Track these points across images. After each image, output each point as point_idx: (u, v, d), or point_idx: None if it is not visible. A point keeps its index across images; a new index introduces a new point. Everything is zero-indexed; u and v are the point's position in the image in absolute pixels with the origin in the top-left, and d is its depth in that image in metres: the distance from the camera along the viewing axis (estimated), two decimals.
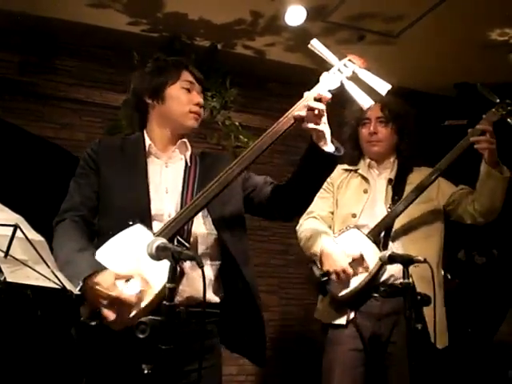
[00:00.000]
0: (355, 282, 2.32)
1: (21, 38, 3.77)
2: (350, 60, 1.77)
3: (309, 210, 2.32)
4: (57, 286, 1.45)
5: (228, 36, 3.88)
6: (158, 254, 1.43)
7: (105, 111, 3.91)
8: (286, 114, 1.72)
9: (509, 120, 2.41)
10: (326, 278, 2.32)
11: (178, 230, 1.68)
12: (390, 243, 2.38)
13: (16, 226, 1.36)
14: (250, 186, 1.92)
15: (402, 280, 1.81)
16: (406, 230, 2.41)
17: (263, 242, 4.22)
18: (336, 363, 2.34)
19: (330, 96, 1.70)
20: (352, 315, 2.36)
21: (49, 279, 1.44)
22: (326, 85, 1.72)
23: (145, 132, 1.93)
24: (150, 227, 1.71)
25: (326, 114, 1.70)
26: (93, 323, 1.60)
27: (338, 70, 1.75)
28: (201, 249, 1.78)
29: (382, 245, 2.36)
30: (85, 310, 1.63)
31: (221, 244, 1.82)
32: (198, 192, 1.76)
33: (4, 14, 3.49)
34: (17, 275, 1.44)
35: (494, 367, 3.67)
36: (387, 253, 1.89)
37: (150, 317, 1.39)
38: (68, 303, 1.63)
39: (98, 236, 1.80)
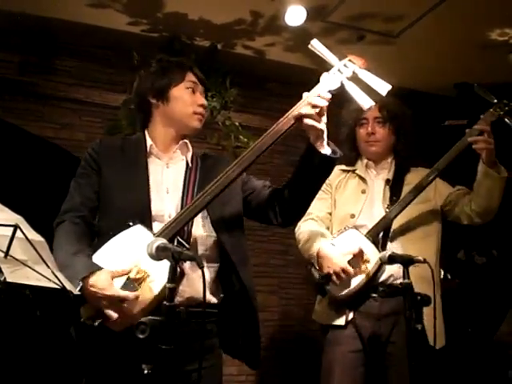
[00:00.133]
0: (354, 283, 2.32)
1: (21, 38, 3.77)
2: (350, 60, 1.76)
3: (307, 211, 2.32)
4: (57, 287, 1.45)
5: (228, 36, 3.88)
6: (158, 254, 1.43)
7: (104, 111, 3.91)
8: (286, 114, 1.72)
9: (506, 120, 2.41)
10: (324, 281, 2.32)
11: (178, 230, 1.68)
12: (389, 243, 2.38)
13: (16, 227, 1.36)
14: (249, 188, 1.92)
15: (401, 280, 1.81)
16: (405, 230, 2.41)
17: (263, 242, 4.22)
18: (336, 364, 2.34)
19: (329, 96, 1.70)
20: (351, 316, 2.36)
21: (49, 279, 1.44)
22: (326, 85, 1.72)
23: (146, 132, 1.93)
24: (150, 228, 1.71)
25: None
26: (92, 324, 1.60)
27: (338, 70, 1.74)
28: (200, 250, 1.78)
29: (380, 245, 2.36)
30: (85, 311, 1.63)
31: (219, 246, 1.82)
32: (198, 193, 1.76)
33: (4, 14, 3.49)
34: (17, 275, 1.44)
35: (493, 367, 3.68)
36: (387, 253, 1.89)
37: (150, 317, 1.39)
38: (68, 304, 1.63)
39: (98, 236, 1.80)
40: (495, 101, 2.43)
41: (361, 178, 2.55)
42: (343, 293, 2.34)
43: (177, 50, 3.70)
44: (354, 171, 2.59)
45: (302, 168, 1.77)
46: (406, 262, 1.82)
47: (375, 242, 2.35)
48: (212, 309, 1.79)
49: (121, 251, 1.68)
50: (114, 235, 1.70)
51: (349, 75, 1.74)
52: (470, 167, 2.40)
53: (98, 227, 1.81)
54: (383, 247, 2.36)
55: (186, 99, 1.88)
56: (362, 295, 2.35)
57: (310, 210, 2.42)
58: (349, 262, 2.30)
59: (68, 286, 1.49)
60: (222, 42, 3.93)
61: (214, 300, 1.80)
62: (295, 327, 4.29)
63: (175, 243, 1.68)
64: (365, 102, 1.72)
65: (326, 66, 1.78)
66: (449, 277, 4.03)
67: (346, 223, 2.44)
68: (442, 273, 3.90)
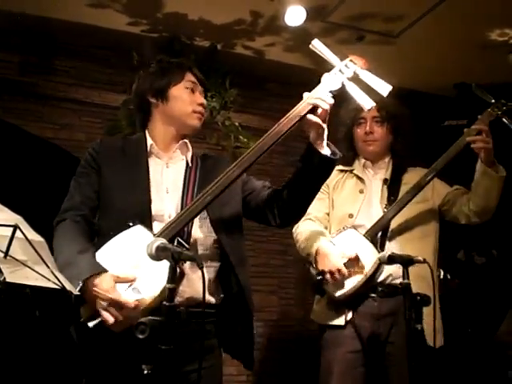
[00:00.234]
0: (352, 282, 2.32)
1: (21, 38, 3.77)
2: (351, 61, 1.76)
3: None
4: (56, 287, 1.45)
5: (228, 36, 3.88)
6: (158, 255, 1.43)
7: (104, 111, 3.91)
8: (287, 114, 1.72)
9: (504, 120, 2.42)
10: (320, 277, 2.32)
11: (179, 230, 1.68)
12: (387, 243, 2.38)
13: (16, 227, 1.36)
14: (249, 188, 1.92)
15: (400, 280, 1.81)
16: (403, 229, 2.41)
17: (262, 242, 4.22)
18: (335, 364, 2.34)
19: (332, 101, 1.71)
20: (350, 315, 2.35)
21: (48, 279, 1.43)
22: (328, 86, 1.72)
23: (146, 132, 1.93)
24: (150, 228, 1.71)
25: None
26: (93, 324, 1.60)
27: (339, 70, 1.74)
28: (200, 250, 1.78)
29: (379, 245, 2.36)
30: (85, 311, 1.63)
31: (219, 246, 1.82)
32: (198, 193, 1.76)
33: (4, 14, 3.49)
34: (16, 276, 1.44)
35: (493, 367, 3.68)
36: (387, 253, 1.89)
37: (150, 317, 1.38)
38: (68, 304, 1.63)
39: (97, 236, 1.80)
40: (493, 101, 2.43)
41: (358, 177, 2.56)
42: (341, 293, 2.33)
43: (177, 50, 3.70)
44: (351, 171, 2.59)
45: (301, 168, 1.77)
46: (406, 262, 1.82)
47: (373, 242, 2.35)
48: (211, 309, 1.79)
49: (121, 251, 1.68)
50: (114, 235, 1.70)
51: (350, 76, 1.74)
52: (468, 167, 2.40)
53: (97, 226, 1.81)
54: (381, 247, 2.36)
55: (185, 98, 1.88)
56: (361, 295, 2.34)
57: (308, 211, 2.42)
58: (345, 264, 2.30)
59: (68, 286, 1.49)
60: (221, 42, 3.93)
61: (213, 300, 1.80)
62: (295, 327, 4.29)
63: (175, 243, 1.68)
64: (366, 102, 1.72)
65: (325, 67, 1.78)
66: (449, 277, 4.03)
67: (344, 223, 2.44)
68: (442, 273, 3.91)
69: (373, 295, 2.35)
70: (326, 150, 1.73)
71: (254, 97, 4.34)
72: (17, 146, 3.32)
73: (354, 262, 2.32)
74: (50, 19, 3.61)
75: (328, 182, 2.53)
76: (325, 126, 1.70)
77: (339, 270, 2.27)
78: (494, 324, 3.82)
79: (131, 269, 1.64)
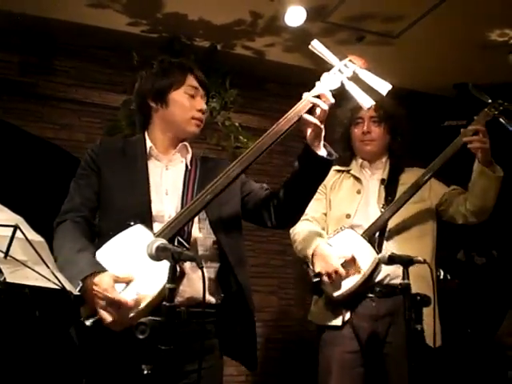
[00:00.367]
0: (350, 283, 2.31)
1: (20, 39, 3.77)
2: (350, 60, 1.77)
3: None
4: (56, 287, 1.45)
5: (227, 36, 3.88)
6: (158, 255, 1.43)
7: (104, 112, 3.91)
8: (286, 114, 1.72)
9: (501, 119, 2.42)
10: (318, 279, 2.32)
11: (179, 230, 1.68)
12: (385, 243, 2.38)
13: (16, 227, 1.36)
14: (247, 189, 1.93)
15: (400, 280, 1.81)
16: (400, 229, 2.41)
17: (262, 242, 4.22)
18: (334, 364, 2.34)
19: (333, 100, 1.71)
20: (348, 316, 2.35)
21: (48, 280, 1.43)
22: (327, 85, 1.72)
23: (146, 134, 1.93)
24: (150, 228, 1.71)
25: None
26: (90, 322, 1.60)
27: (339, 70, 1.75)
28: (200, 250, 1.78)
29: (376, 245, 2.36)
30: (85, 311, 1.63)
31: (218, 247, 1.82)
32: (197, 194, 1.75)
33: (4, 14, 3.49)
34: (16, 276, 1.44)
35: (493, 367, 3.68)
36: (387, 253, 1.89)
37: (150, 317, 1.38)
38: (68, 304, 1.63)
39: (98, 237, 1.79)
40: (490, 100, 2.44)
41: (356, 178, 2.55)
42: (339, 293, 2.33)
43: (177, 50, 3.70)
44: (348, 171, 2.59)
45: (297, 169, 1.77)
46: (406, 262, 1.82)
47: (371, 242, 2.35)
48: (212, 309, 1.79)
49: (121, 251, 1.68)
50: (114, 235, 1.70)
51: (349, 75, 1.75)
52: (465, 167, 2.40)
53: (98, 228, 1.81)
54: (379, 247, 2.36)
55: (185, 104, 1.87)
56: (359, 295, 2.34)
57: (305, 211, 2.43)
58: (342, 264, 2.30)
59: (68, 286, 1.49)
60: (221, 43, 3.93)
61: (213, 300, 1.80)
62: (294, 327, 4.29)
63: (175, 243, 1.68)
64: (365, 101, 1.73)
65: (325, 67, 1.79)
66: (449, 277, 4.04)
67: (342, 223, 2.44)
68: (442, 273, 3.92)
69: (371, 295, 2.34)
70: (322, 151, 1.74)
71: (254, 97, 4.35)
72: (17, 146, 3.32)
73: (351, 263, 2.32)
74: (50, 19, 3.61)
75: (325, 182, 2.53)
76: (322, 126, 1.71)
77: (336, 271, 2.27)
78: (493, 324, 3.82)
79: (131, 268, 1.63)
